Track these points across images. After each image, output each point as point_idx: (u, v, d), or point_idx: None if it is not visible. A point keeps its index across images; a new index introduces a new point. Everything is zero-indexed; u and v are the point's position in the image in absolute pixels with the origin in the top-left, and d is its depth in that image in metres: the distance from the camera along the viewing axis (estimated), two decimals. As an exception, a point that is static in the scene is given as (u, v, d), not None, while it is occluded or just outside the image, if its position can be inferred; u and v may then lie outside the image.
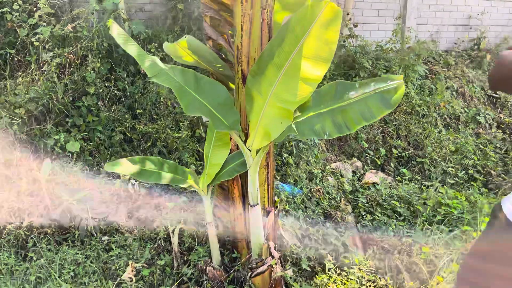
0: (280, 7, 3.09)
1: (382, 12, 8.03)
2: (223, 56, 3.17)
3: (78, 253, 3.58)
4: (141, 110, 5.38)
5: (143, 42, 5.79)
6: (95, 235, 3.87)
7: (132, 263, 3.31)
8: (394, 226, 4.07)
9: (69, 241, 3.77)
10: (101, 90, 5.27)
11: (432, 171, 5.59)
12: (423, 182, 5.25)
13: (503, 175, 5.58)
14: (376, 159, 5.69)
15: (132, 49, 2.71)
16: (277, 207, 3.40)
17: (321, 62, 2.48)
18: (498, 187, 5.42)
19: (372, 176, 5.35)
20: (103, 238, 3.85)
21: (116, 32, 2.70)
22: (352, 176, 5.32)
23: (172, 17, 6.26)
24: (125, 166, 2.97)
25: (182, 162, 4.92)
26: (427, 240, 3.81)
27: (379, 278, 3.36)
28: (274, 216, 3.23)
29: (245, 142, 2.88)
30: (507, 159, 5.96)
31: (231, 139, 3.10)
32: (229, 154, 3.10)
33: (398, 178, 5.35)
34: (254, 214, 2.99)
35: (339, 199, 4.62)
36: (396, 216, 4.23)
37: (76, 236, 3.80)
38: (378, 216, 4.26)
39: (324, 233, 4.00)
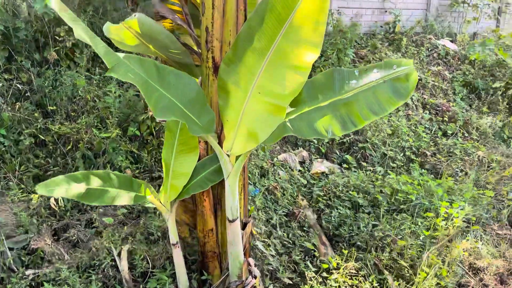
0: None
1: (305, -6, 7.80)
2: (182, 40, 2.58)
3: (-4, 299, 2.78)
4: (55, 107, 4.47)
5: (49, 25, 4.80)
6: (16, 270, 3.05)
7: (76, 305, 2.62)
8: (358, 219, 3.86)
9: (-19, 283, 2.92)
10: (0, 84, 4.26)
11: (374, 155, 5.55)
12: (368, 168, 5.16)
13: (438, 155, 5.75)
14: (320, 147, 5.49)
15: (80, 31, 2.01)
16: (250, 216, 2.94)
17: (311, 46, 2.10)
18: (434, 167, 5.58)
19: (319, 166, 5.13)
20: (27, 273, 3.06)
21: (58, 6, 1.96)
22: (300, 166, 5.04)
23: (82, -5, 5.31)
24: (65, 187, 2.26)
25: (114, 166, 4.18)
26: (395, 232, 3.67)
27: (363, 281, 3.11)
28: (251, 227, 2.78)
29: (220, 145, 2.37)
30: (437, 138, 6.18)
31: (199, 142, 2.55)
32: (197, 160, 2.55)
33: (344, 165, 5.20)
34: (233, 230, 2.50)
35: (295, 194, 4.30)
36: (362, 210, 4.03)
37: (-10, 274, 2.96)
38: (340, 210, 4.02)
39: (292, 235, 3.65)
